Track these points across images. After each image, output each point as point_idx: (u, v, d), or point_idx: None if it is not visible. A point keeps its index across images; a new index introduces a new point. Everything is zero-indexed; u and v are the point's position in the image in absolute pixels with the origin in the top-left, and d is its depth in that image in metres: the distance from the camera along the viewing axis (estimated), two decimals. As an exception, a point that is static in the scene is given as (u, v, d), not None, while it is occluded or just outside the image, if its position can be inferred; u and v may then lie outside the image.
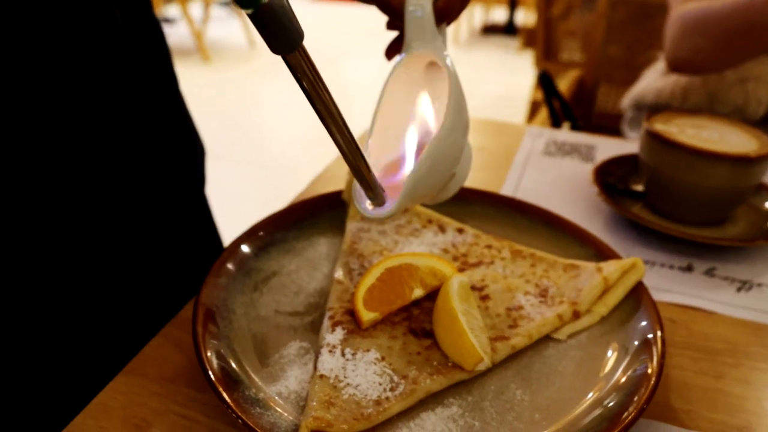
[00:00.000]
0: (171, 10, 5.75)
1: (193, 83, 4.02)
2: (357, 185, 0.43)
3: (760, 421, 0.45)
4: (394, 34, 0.49)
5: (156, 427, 0.43)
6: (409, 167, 0.45)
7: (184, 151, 0.69)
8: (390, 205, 0.41)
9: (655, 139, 0.66)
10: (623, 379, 0.43)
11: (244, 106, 3.75)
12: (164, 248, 0.65)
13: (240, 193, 2.60)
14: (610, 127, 1.53)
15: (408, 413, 0.42)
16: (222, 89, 4.03)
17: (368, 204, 0.43)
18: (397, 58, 0.46)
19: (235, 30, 5.20)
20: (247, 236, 0.56)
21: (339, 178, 0.77)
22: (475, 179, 0.78)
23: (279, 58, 0.34)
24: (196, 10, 5.43)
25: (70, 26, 0.50)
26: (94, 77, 0.53)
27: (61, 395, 0.52)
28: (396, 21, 0.46)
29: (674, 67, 0.95)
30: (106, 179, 0.56)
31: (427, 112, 0.47)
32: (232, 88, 4.08)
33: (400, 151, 0.46)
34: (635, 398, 0.41)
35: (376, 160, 0.45)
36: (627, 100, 1.14)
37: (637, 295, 0.51)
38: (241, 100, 3.86)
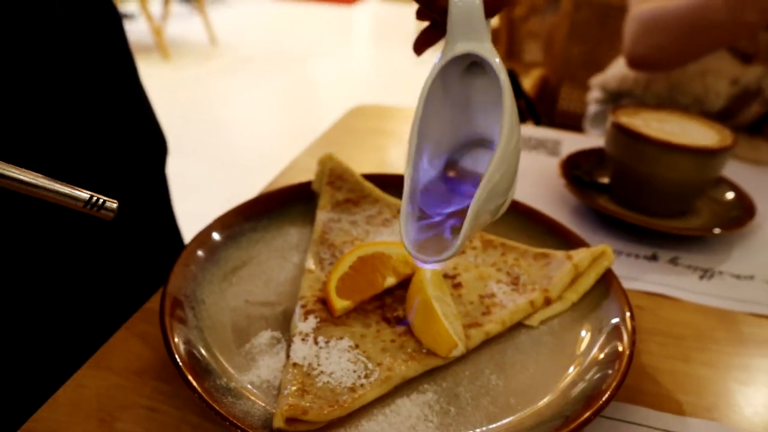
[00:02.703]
0: (129, 6, 5.62)
1: (153, 81, 3.92)
2: (407, 233, 0.38)
3: (726, 402, 0.46)
4: (421, 24, 0.43)
5: (122, 420, 0.42)
6: (460, 192, 0.41)
7: (145, 142, 0.68)
8: (453, 244, 0.37)
9: (621, 132, 0.67)
10: (599, 357, 0.44)
11: (206, 104, 3.68)
12: (125, 241, 0.63)
13: (203, 191, 2.55)
14: (573, 125, 1.55)
15: (383, 400, 0.42)
16: (183, 87, 3.95)
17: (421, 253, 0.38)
18: (436, 59, 0.39)
19: (196, 27, 5.11)
20: (216, 226, 0.55)
21: (307, 170, 0.76)
22: (444, 171, 0.78)
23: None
24: (155, 6, 5.33)
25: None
26: (30, 61, 0.51)
27: (22, 389, 0.50)
28: (431, 10, 0.39)
29: (633, 64, 0.97)
30: (63, 169, 0.54)
31: (473, 125, 0.43)
32: (193, 85, 4.01)
33: (444, 171, 0.43)
34: (609, 376, 0.41)
35: (414, 181, 0.40)
36: (594, 81, 1.16)
37: (607, 282, 0.51)
38: (202, 97, 3.79)
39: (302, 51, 4.92)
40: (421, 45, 0.43)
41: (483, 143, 0.43)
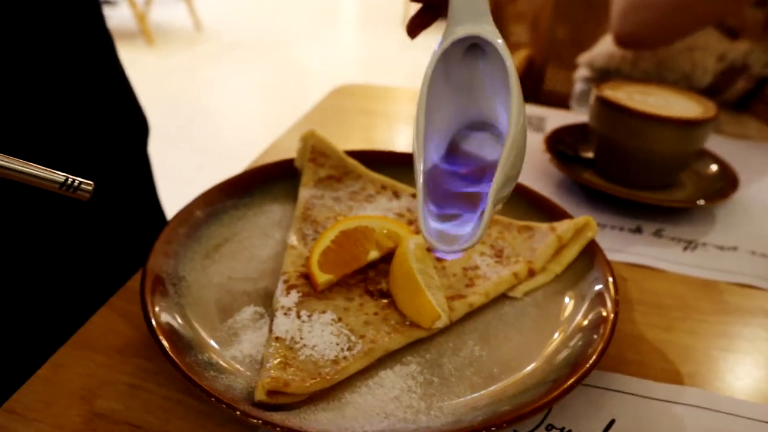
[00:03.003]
0: (112, -8, 5.54)
1: (138, 67, 3.88)
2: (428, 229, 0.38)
3: (707, 368, 0.47)
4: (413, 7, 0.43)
5: (103, 397, 0.41)
6: (468, 179, 0.41)
7: (125, 122, 0.67)
8: (473, 233, 0.36)
9: (604, 105, 0.67)
10: (583, 324, 0.44)
11: (192, 90, 3.65)
12: (108, 221, 0.62)
13: (188, 177, 2.53)
14: (559, 105, 1.55)
15: (366, 372, 0.42)
16: (167, 74, 3.91)
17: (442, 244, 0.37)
18: (436, 45, 0.38)
19: (181, 13, 5.04)
20: (198, 203, 0.54)
21: (290, 150, 0.75)
22: (428, 148, 0.77)
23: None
24: (138, -8, 5.26)
25: None
26: (4, 41, 0.49)
27: (2, 369, 0.49)
28: None
29: (621, 42, 0.96)
30: (41, 149, 0.53)
31: (474, 107, 0.42)
32: (179, 72, 3.97)
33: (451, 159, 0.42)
34: (593, 343, 0.41)
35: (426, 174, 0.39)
36: (581, 60, 1.16)
37: (591, 253, 0.51)
38: (188, 84, 3.75)
39: (288, 36, 4.88)
40: (415, 27, 0.43)
41: (483, 125, 0.43)
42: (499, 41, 0.37)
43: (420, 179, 0.37)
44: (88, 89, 0.60)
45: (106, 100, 0.63)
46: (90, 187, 0.34)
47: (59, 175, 0.34)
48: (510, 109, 0.36)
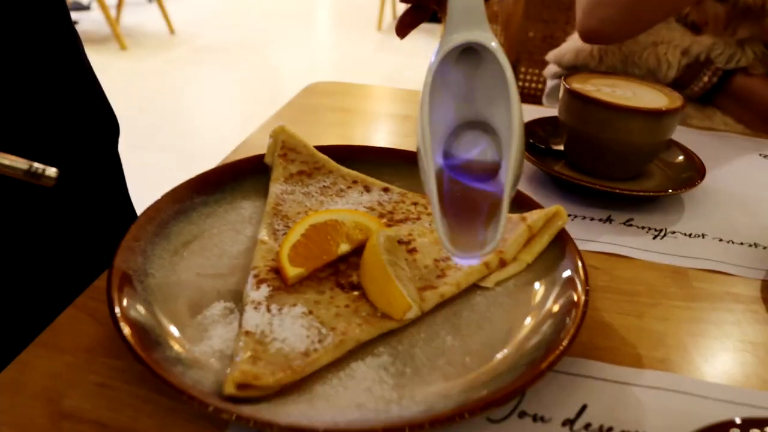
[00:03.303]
0: (83, -4, 5.47)
1: (110, 72, 3.85)
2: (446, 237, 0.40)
3: (677, 353, 0.47)
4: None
5: (70, 398, 0.40)
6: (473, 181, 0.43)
7: (94, 120, 0.66)
8: (492, 238, 0.39)
9: (573, 97, 0.67)
10: (554, 311, 0.45)
11: (165, 94, 3.61)
12: (78, 220, 0.61)
13: (162, 179, 2.50)
14: (532, 103, 1.56)
15: (338, 364, 0.41)
16: (141, 77, 3.87)
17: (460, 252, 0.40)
18: (433, 54, 0.39)
19: (154, 16, 4.99)
20: (166, 200, 0.54)
21: (260, 147, 0.75)
22: (400, 145, 0.77)
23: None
24: (109, -4, 5.20)
25: None
26: None
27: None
28: None
29: (586, 38, 0.97)
30: (5, 146, 0.52)
31: (468, 110, 0.43)
32: (152, 76, 3.93)
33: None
34: (564, 328, 0.42)
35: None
36: (549, 56, 1.17)
37: (561, 242, 0.52)
38: (161, 88, 3.72)
39: (263, 39, 4.86)
40: (404, 27, 0.44)
41: (475, 124, 0.43)
42: (495, 45, 0.38)
43: (433, 186, 0.39)
44: (55, 88, 0.59)
45: (74, 99, 0.62)
46: (54, 174, 0.34)
47: (23, 162, 0.33)
48: (512, 109, 0.37)
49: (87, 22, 4.85)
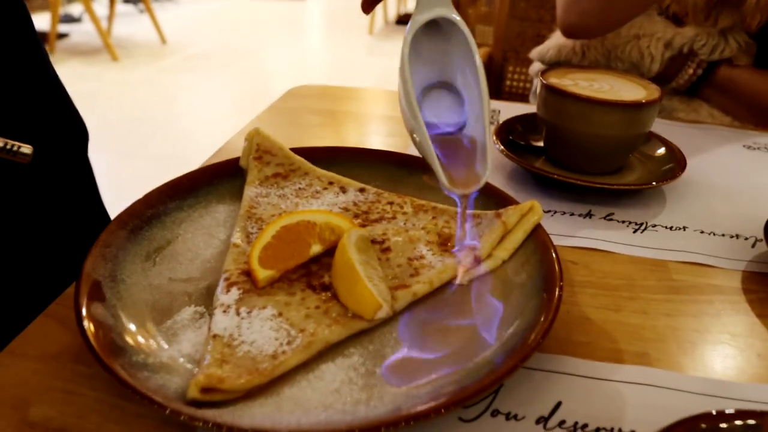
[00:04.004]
0: (74, 8, 5.48)
1: (103, 83, 3.84)
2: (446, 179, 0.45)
3: (656, 347, 0.47)
4: None
5: (36, 405, 0.40)
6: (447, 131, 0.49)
7: (61, 128, 0.65)
8: (483, 169, 0.46)
9: (550, 92, 0.67)
10: (527, 308, 0.44)
11: (157, 104, 3.61)
12: (50, 228, 0.61)
13: (152, 186, 2.50)
14: (520, 102, 1.56)
15: (307, 366, 0.41)
16: (133, 88, 3.87)
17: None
18: (408, 29, 0.46)
19: (145, 26, 4.99)
20: (139, 205, 0.53)
21: (239, 151, 0.75)
22: (381, 145, 0.77)
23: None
24: (100, 7, 5.20)
25: None
26: None
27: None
28: None
29: (567, 32, 0.97)
30: None
31: (438, 74, 0.49)
32: (144, 86, 3.93)
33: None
34: (537, 325, 0.41)
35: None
36: (533, 54, 1.17)
37: (537, 237, 0.51)
38: (153, 97, 3.71)
39: (255, 46, 4.86)
40: (369, 4, 0.48)
41: (441, 84, 0.50)
42: (457, 18, 0.45)
43: (426, 137, 0.44)
44: (20, 97, 0.58)
45: (40, 108, 0.61)
46: (29, 151, 0.34)
47: None
48: (476, 65, 0.45)
49: (78, 34, 4.85)
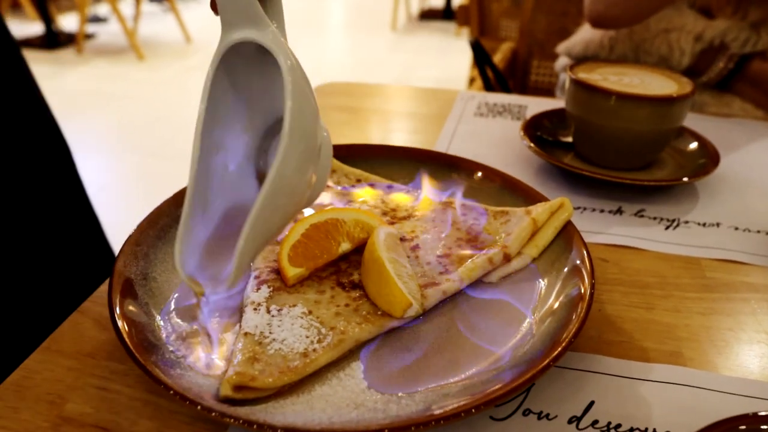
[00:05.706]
0: (101, 9, 5.56)
1: (129, 82, 3.90)
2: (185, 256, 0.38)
3: (689, 345, 0.46)
4: None
5: (72, 401, 0.41)
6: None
7: (41, 144, 0.66)
8: (227, 272, 0.35)
9: (579, 87, 0.66)
10: (558, 306, 0.43)
11: (183, 103, 3.64)
12: (48, 243, 0.62)
13: (180, 187, 2.53)
14: (545, 96, 1.55)
15: (338, 364, 0.41)
16: (159, 87, 3.91)
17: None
18: (220, 48, 0.37)
19: (170, 26, 5.05)
20: (169, 204, 0.54)
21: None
22: (406, 142, 0.77)
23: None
24: (127, 7, 5.26)
25: None
26: None
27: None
28: None
29: (594, 22, 0.96)
30: None
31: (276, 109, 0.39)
32: (170, 85, 3.97)
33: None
34: (569, 323, 0.41)
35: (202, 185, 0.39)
36: (560, 48, 1.15)
37: (567, 234, 0.50)
38: (179, 96, 3.75)
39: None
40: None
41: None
42: (267, 40, 0.35)
43: (191, 189, 0.37)
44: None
45: (20, 125, 0.62)
46: None
47: None
48: (286, 117, 0.34)
49: (105, 34, 4.92)
